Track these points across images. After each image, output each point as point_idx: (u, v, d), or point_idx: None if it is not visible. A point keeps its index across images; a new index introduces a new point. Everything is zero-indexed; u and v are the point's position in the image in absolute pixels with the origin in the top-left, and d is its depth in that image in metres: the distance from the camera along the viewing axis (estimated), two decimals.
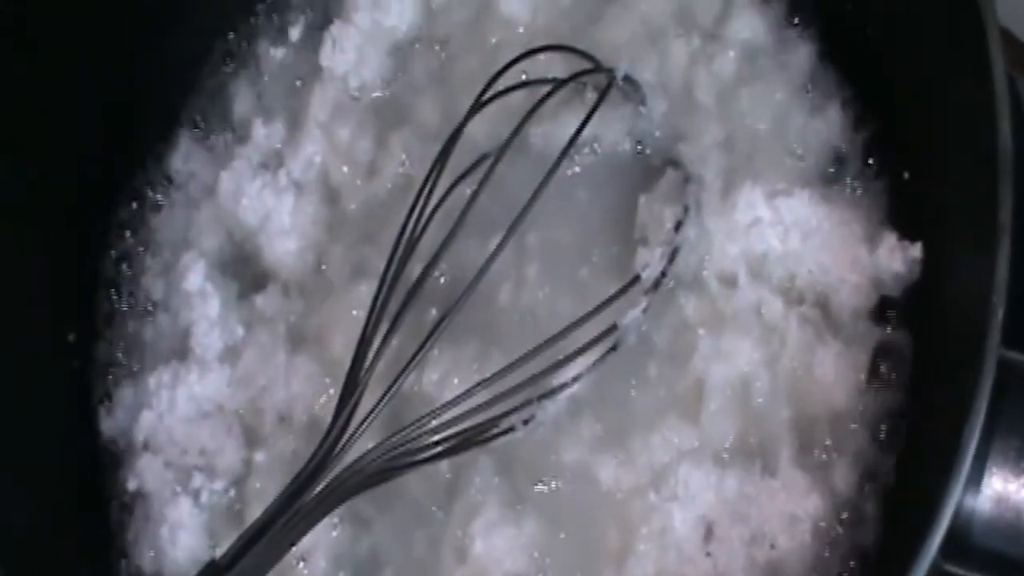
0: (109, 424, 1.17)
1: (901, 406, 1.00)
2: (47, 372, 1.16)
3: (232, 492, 1.12)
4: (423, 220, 1.03)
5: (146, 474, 1.13)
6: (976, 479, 0.83)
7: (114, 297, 1.22)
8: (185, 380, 1.14)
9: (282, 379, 1.13)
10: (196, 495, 1.11)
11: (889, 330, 1.03)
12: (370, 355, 0.98)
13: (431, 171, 1.05)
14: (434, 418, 0.97)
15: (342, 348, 1.09)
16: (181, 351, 1.16)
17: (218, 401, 1.14)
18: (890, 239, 1.02)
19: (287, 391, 1.12)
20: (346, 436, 0.95)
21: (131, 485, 1.14)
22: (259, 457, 1.11)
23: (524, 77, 1.12)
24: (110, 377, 1.20)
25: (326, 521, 0.99)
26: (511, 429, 1.01)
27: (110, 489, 1.16)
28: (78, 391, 1.19)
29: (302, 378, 1.12)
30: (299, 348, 1.14)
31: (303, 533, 0.94)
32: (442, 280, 1.10)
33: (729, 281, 1.06)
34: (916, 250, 1.01)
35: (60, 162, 1.15)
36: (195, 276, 1.16)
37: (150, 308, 1.21)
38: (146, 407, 1.14)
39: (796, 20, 1.15)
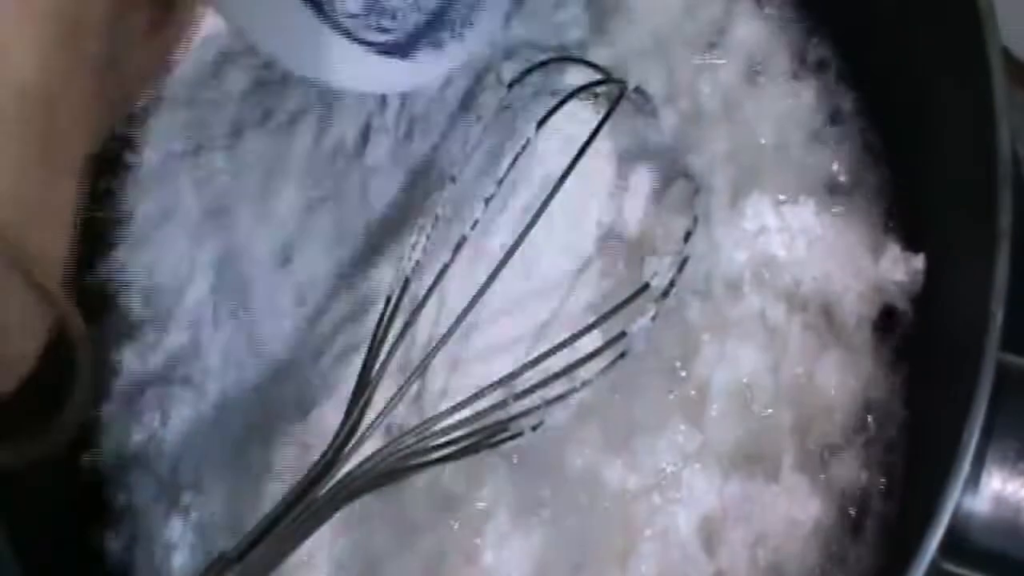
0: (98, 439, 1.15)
1: (902, 410, 1.02)
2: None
3: (223, 511, 1.10)
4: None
5: (136, 490, 1.12)
6: (975, 480, 0.84)
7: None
8: (180, 396, 1.13)
9: None
10: (187, 512, 1.10)
11: (891, 337, 1.05)
12: (381, 356, 1.00)
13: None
14: (443, 420, 0.99)
15: None
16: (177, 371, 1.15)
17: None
18: (893, 249, 1.04)
19: None
20: (357, 435, 0.97)
21: (120, 501, 1.13)
22: (248, 491, 1.09)
23: (535, 90, 1.13)
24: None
25: (330, 524, 1.00)
26: (520, 434, 1.02)
27: (97, 507, 1.14)
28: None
29: None
30: None
31: (312, 530, 0.95)
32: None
33: (734, 287, 1.08)
34: (919, 261, 1.03)
35: None
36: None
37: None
38: (136, 422, 1.13)
39: (801, 31, 1.17)
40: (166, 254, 1.15)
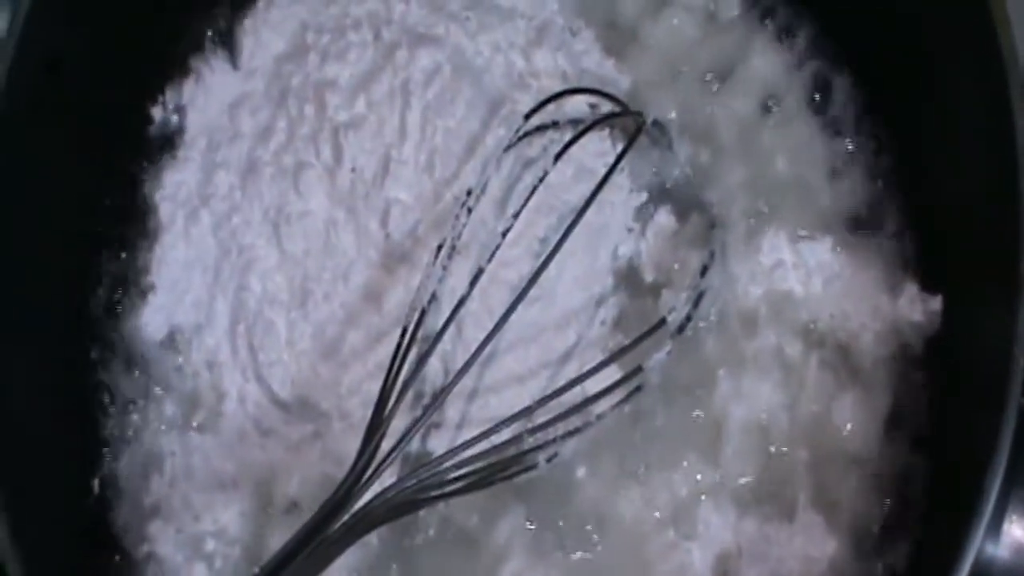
0: (119, 489, 1.14)
1: (920, 453, 1.02)
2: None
3: (247, 556, 1.10)
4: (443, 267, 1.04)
5: (158, 540, 1.11)
6: (996, 527, 0.85)
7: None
8: (199, 443, 1.12)
9: None
10: (210, 560, 1.10)
11: (909, 378, 1.05)
12: (398, 387, 0.99)
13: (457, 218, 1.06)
14: (459, 453, 0.98)
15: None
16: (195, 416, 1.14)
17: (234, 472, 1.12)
18: (911, 289, 1.05)
19: None
20: (373, 467, 0.97)
21: (142, 551, 1.11)
22: (272, 533, 1.10)
23: (552, 120, 1.13)
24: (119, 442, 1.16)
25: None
26: (534, 466, 1.02)
27: (119, 556, 1.13)
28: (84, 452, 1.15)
29: None
30: None
31: (329, 562, 0.95)
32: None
33: (750, 323, 1.08)
34: (936, 302, 1.03)
35: None
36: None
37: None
38: (156, 473, 1.13)
39: (819, 65, 1.17)
40: (185, 298, 1.15)
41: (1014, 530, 0.85)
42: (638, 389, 1.04)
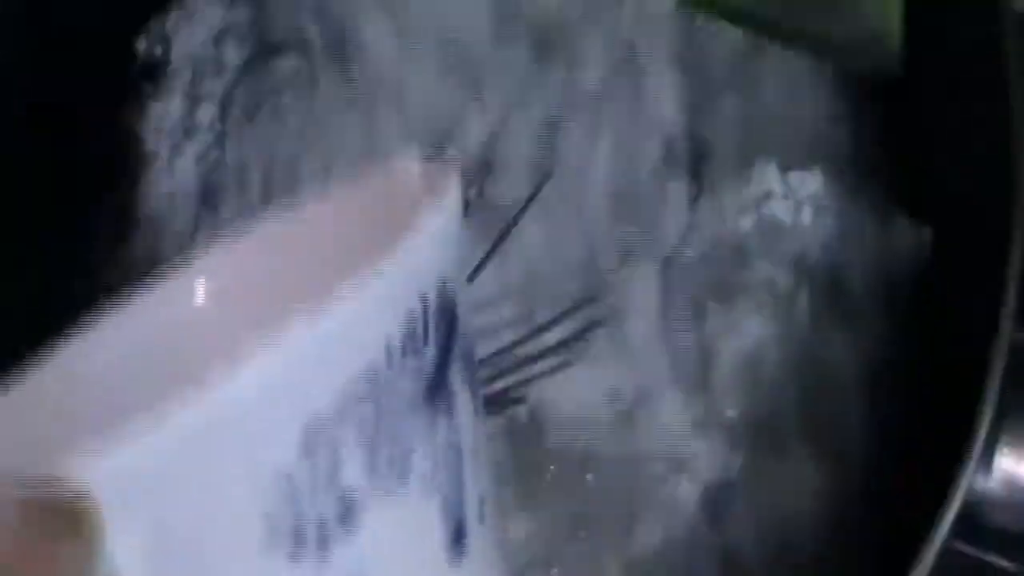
0: None
1: (911, 384, 1.02)
2: None
3: None
4: None
5: None
6: (987, 460, 0.84)
7: None
8: None
9: None
10: None
11: (899, 309, 1.04)
12: None
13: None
14: None
15: None
16: None
17: None
18: (901, 221, 1.04)
19: None
20: None
21: None
22: None
23: None
24: None
25: None
26: (520, 399, 1.01)
27: None
28: None
29: None
30: None
31: None
32: None
33: (740, 254, 1.07)
34: (926, 234, 1.02)
35: None
36: None
37: None
38: None
39: None
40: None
41: (1005, 463, 0.85)
42: (621, 320, 1.03)
